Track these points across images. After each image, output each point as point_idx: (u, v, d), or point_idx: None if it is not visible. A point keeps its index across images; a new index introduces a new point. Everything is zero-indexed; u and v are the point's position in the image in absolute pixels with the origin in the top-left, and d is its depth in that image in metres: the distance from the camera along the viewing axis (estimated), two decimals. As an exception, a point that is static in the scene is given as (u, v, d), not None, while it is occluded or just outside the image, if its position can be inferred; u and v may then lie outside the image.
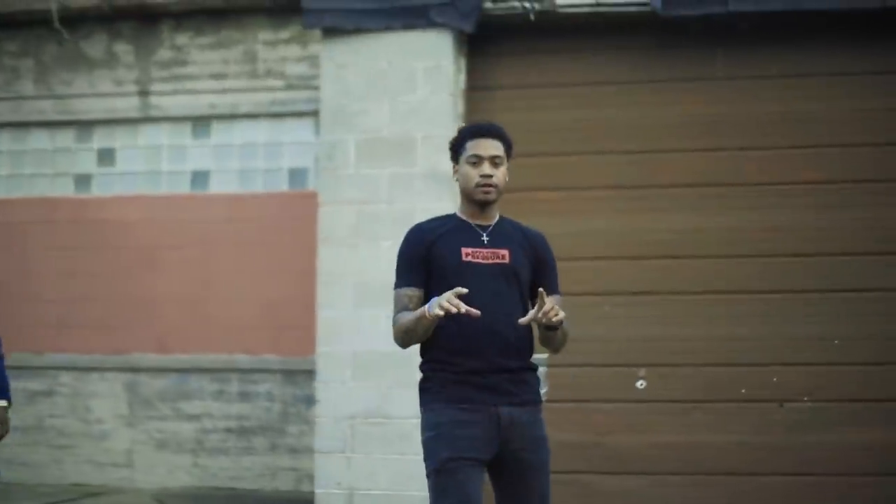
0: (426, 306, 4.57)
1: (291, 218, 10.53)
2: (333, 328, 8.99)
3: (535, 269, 4.92)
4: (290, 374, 10.50)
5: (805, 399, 8.72)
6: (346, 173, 9.06)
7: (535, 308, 4.55)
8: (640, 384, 8.89)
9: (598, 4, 8.88)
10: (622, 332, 8.89)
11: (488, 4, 8.98)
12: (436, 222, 4.99)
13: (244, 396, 10.63)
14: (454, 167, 4.99)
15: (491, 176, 4.82)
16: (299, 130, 10.69)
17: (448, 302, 4.40)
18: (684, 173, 8.95)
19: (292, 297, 10.41)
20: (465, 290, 4.45)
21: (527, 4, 8.95)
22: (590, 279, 8.83)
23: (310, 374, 9.70)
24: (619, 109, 9.08)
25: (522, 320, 4.59)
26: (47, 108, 11.17)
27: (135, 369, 10.85)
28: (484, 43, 9.14)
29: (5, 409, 6.53)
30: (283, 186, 10.75)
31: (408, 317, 4.71)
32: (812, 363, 8.73)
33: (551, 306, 4.51)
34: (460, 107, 9.09)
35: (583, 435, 8.87)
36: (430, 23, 8.96)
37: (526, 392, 4.80)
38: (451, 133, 8.77)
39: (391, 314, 4.84)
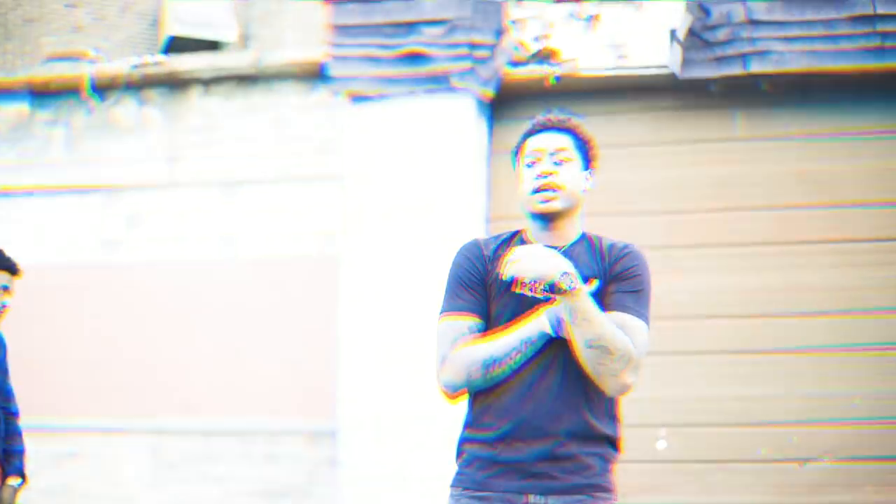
0: (547, 317, 3.48)
1: (317, 281, 10.59)
2: (354, 390, 9.04)
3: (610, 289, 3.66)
4: (315, 436, 10.51)
5: (826, 459, 8.70)
6: (369, 236, 9.15)
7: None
8: (661, 444, 8.88)
9: (619, 67, 9.00)
10: (643, 391, 8.81)
11: (508, 69, 9.10)
12: (496, 240, 3.75)
13: (270, 458, 10.64)
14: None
15: (549, 174, 3.58)
16: (327, 194, 10.78)
17: None
18: (703, 233, 8.98)
19: (316, 359, 10.44)
20: None
21: (548, 68, 9.06)
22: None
23: (335, 435, 9.74)
24: (639, 171, 9.14)
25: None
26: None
27: (160, 432, 10.89)
28: (506, 107, 9.25)
29: (13, 489, 6.04)
30: (311, 249, 10.83)
31: (500, 341, 3.50)
32: (833, 422, 8.69)
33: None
34: (483, 171, 9.19)
35: (603, 496, 8.80)
36: (451, 88, 9.09)
37: (575, 475, 3.63)
38: (474, 198, 9.00)
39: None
